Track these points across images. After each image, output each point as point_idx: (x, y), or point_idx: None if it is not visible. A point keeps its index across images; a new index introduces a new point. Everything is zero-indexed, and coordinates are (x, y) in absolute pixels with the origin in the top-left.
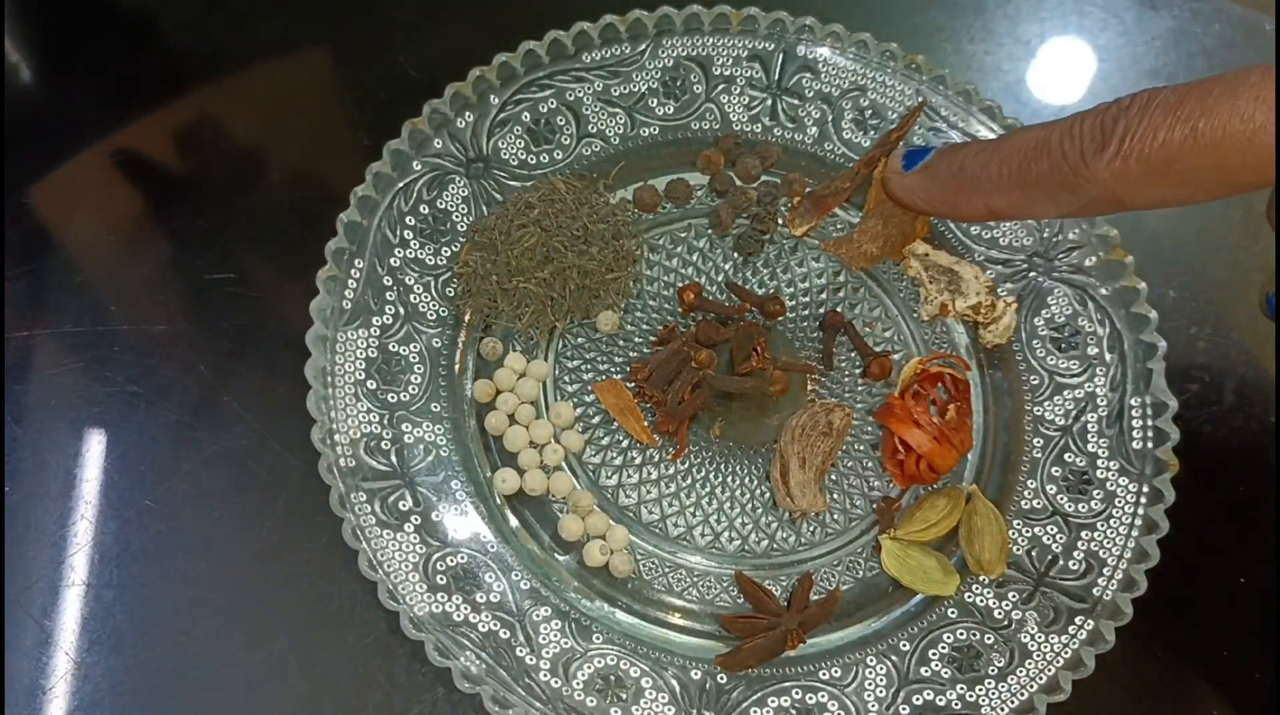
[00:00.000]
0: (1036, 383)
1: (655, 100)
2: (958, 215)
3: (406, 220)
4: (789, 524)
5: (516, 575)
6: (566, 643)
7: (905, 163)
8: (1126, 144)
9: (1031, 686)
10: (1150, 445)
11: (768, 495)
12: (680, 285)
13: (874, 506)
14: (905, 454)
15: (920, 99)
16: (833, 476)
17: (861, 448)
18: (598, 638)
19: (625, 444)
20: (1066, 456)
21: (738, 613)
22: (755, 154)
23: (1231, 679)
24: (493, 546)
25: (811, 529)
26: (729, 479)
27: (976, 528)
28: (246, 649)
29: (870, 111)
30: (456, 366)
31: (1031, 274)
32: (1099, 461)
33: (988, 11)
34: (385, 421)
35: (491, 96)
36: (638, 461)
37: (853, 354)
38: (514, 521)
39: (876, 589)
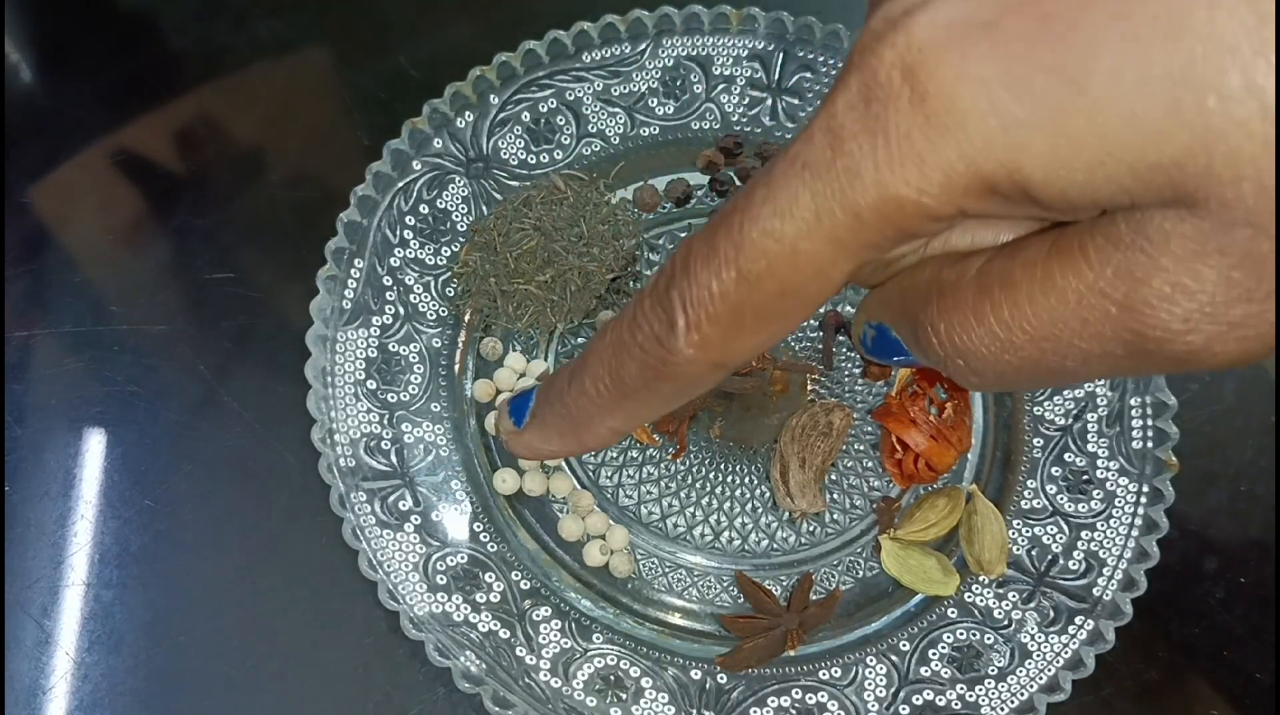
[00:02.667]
0: None
1: (655, 100)
2: (587, 449)
3: (406, 220)
4: (789, 524)
5: (516, 575)
6: (566, 643)
7: (513, 417)
8: (691, 312)
9: (1031, 686)
10: (1150, 445)
11: (768, 495)
12: None
13: (874, 506)
14: (903, 453)
15: None
16: (833, 476)
17: (861, 448)
18: (598, 638)
19: (625, 444)
20: (1066, 456)
21: (738, 613)
22: (755, 154)
23: (1231, 679)
24: (493, 546)
25: (811, 529)
26: (729, 479)
27: (976, 527)
28: (246, 649)
29: None
30: (456, 366)
31: None
32: (1099, 461)
33: None
34: (385, 421)
35: (491, 96)
36: (638, 461)
37: (853, 354)
38: (514, 521)
39: (876, 589)
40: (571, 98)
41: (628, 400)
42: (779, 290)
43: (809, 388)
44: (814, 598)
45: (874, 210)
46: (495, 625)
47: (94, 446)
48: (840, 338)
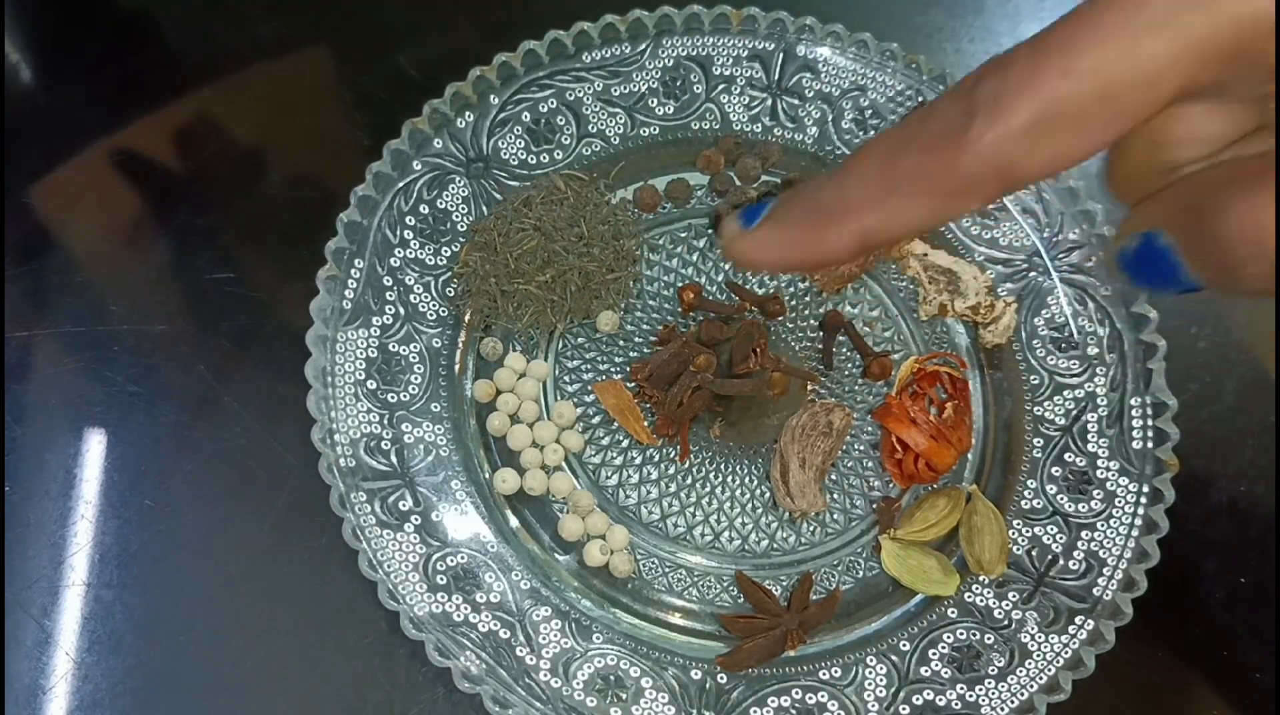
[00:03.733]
0: (1036, 383)
1: (655, 100)
2: (822, 256)
3: (406, 220)
4: (789, 524)
5: (516, 575)
6: (566, 643)
7: (744, 220)
8: (1002, 102)
9: (1031, 686)
10: (1150, 445)
11: (768, 495)
12: (680, 285)
13: (874, 506)
14: (903, 453)
15: (920, 99)
16: (833, 476)
17: (861, 448)
18: (598, 638)
19: (625, 444)
20: (1066, 456)
21: (738, 613)
22: (755, 154)
23: (1231, 679)
24: (493, 546)
25: (811, 529)
26: (729, 479)
27: (976, 527)
28: (246, 649)
29: (870, 111)
30: (456, 366)
31: (1031, 274)
32: (1099, 461)
33: (988, 11)
34: (385, 421)
35: (491, 96)
36: (638, 461)
37: (853, 354)
38: (514, 521)
39: (876, 589)
40: (571, 98)
41: (890, 197)
42: (1102, 90)
43: (809, 388)
44: (814, 597)
45: (1232, 22)
46: (495, 625)
47: (94, 446)
48: (840, 337)
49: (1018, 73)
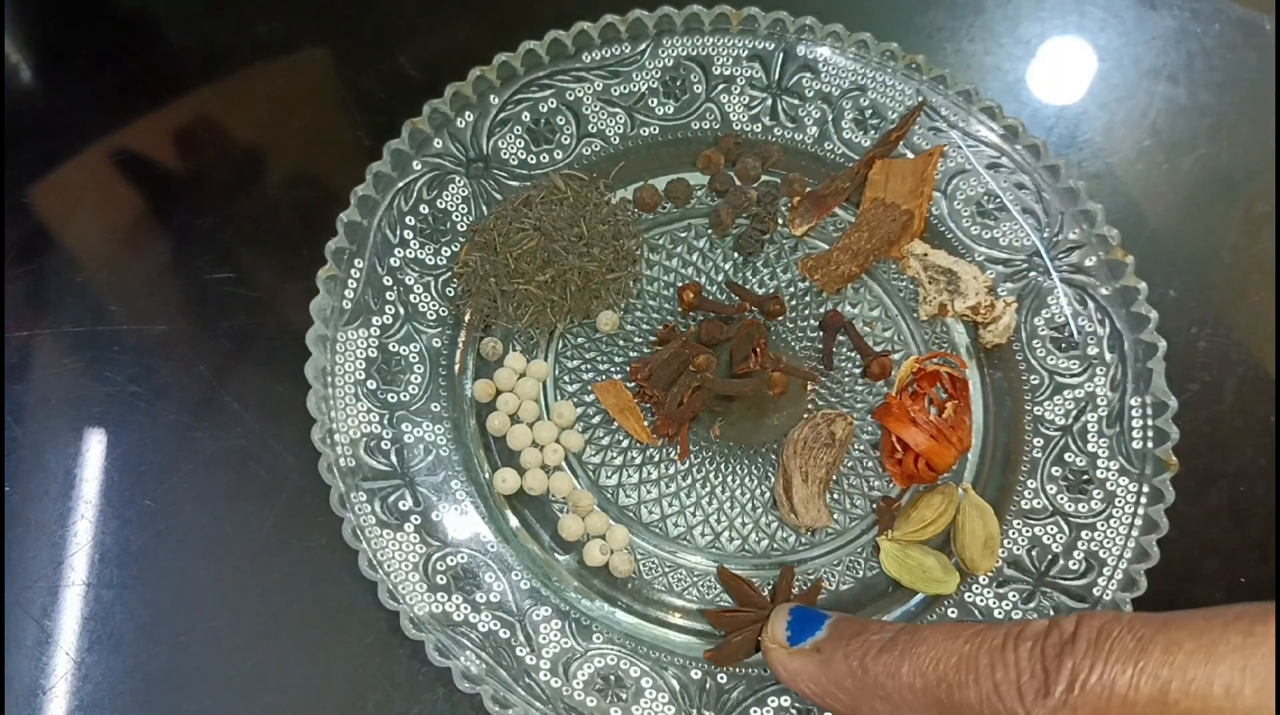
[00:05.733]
0: (1036, 383)
1: (655, 100)
2: None
3: (406, 220)
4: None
5: (516, 575)
6: (566, 642)
7: (791, 633)
8: (1076, 692)
9: None
10: (1150, 445)
11: (768, 495)
12: (680, 285)
13: (874, 506)
14: (904, 453)
15: (920, 99)
16: (833, 477)
17: (861, 448)
18: (598, 637)
19: (625, 444)
20: (1066, 456)
21: (723, 607)
22: (755, 154)
23: None
24: (493, 546)
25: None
26: (729, 479)
27: (959, 525)
28: (246, 649)
29: (870, 111)
30: (456, 366)
31: (1031, 274)
32: (1099, 461)
33: (988, 11)
34: (385, 421)
35: (491, 96)
36: (638, 461)
37: (853, 354)
38: (514, 521)
39: (876, 589)
40: (571, 98)
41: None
42: None
43: (809, 388)
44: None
45: None
46: (495, 625)
47: (94, 446)
48: (840, 337)
49: (1109, 669)
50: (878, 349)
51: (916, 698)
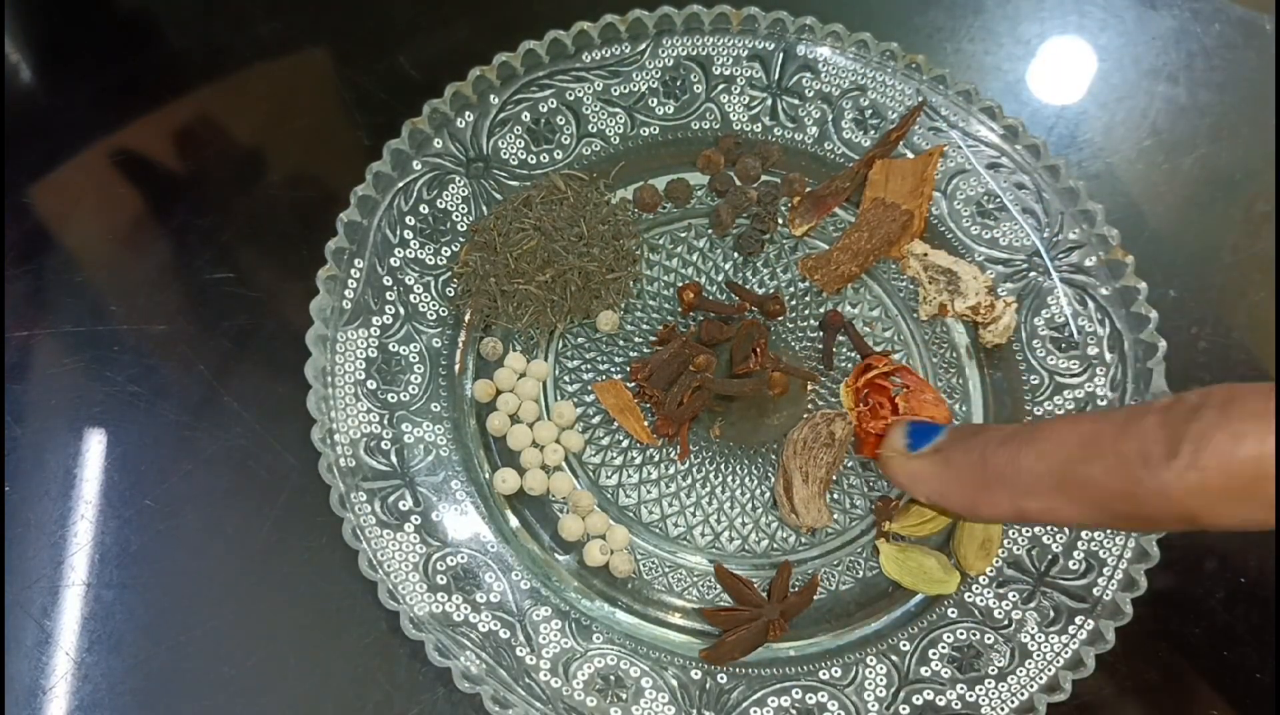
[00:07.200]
0: (1036, 383)
1: (655, 100)
2: (975, 514)
3: (406, 220)
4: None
5: (516, 575)
6: (566, 643)
7: (910, 441)
8: (1205, 453)
9: (1031, 686)
10: None
11: (768, 495)
12: (680, 285)
13: (873, 506)
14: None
15: (920, 99)
16: (833, 478)
17: None
18: (598, 637)
19: (625, 444)
20: None
21: (720, 606)
22: (755, 154)
23: (1231, 679)
24: (493, 546)
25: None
26: (729, 479)
27: (958, 525)
28: (246, 649)
29: (870, 111)
30: (456, 366)
31: (1031, 274)
32: None
33: (988, 11)
34: (385, 421)
35: (491, 96)
36: (638, 461)
37: (853, 353)
38: (514, 521)
39: (876, 589)
40: (571, 98)
41: (1061, 494)
42: None
43: (809, 387)
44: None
45: None
46: (495, 625)
47: (94, 446)
48: (840, 337)
49: (1237, 427)
50: (878, 349)
51: (1039, 482)
